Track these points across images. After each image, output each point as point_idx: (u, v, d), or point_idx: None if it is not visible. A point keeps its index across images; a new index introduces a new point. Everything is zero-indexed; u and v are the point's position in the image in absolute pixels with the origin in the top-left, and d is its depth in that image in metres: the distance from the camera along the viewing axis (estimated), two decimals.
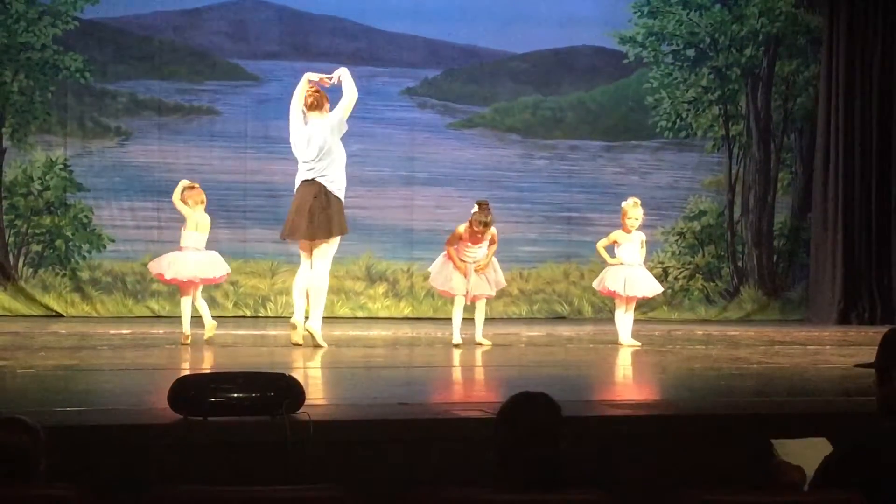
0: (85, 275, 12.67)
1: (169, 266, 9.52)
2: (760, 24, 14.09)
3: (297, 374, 5.79)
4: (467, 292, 9.90)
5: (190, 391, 5.00)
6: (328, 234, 9.27)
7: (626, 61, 13.93)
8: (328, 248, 9.37)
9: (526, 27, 13.62)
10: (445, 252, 9.99)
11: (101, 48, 12.80)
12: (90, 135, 12.77)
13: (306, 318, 9.41)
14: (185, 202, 9.60)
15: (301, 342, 9.33)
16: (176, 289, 11.41)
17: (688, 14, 13.99)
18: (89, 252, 12.73)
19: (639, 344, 10.06)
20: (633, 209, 10.21)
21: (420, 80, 13.61)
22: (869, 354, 4.01)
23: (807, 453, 4.04)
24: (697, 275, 14.11)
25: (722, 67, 14.10)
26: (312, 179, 9.27)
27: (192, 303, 9.54)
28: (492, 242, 9.94)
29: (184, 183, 9.70)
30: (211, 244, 9.73)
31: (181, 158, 12.77)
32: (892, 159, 13.57)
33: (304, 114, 9.40)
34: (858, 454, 3.56)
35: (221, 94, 13.11)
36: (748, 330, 12.23)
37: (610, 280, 10.21)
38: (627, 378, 8.55)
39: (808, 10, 14.17)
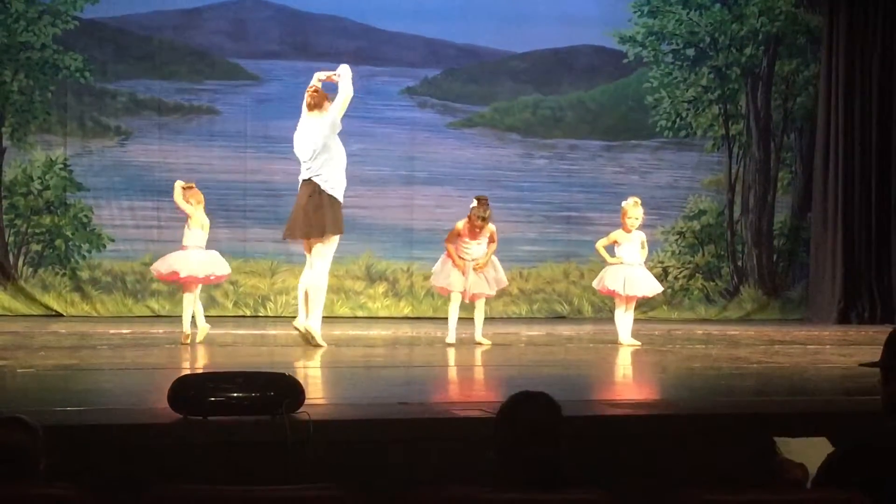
0: (85, 274, 12.67)
1: (173, 265, 9.50)
2: (760, 23, 14.09)
3: (297, 374, 5.79)
4: (465, 291, 9.90)
5: (190, 391, 5.00)
6: (321, 233, 9.23)
7: (625, 61, 13.93)
8: (324, 248, 9.32)
9: (526, 27, 13.62)
10: (446, 251, 10.00)
11: (100, 48, 12.80)
12: (90, 134, 12.77)
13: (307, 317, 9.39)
14: (187, 202, 9.59)
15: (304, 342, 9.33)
16: (176, 289, 11.42)
17: (688, 13, 13.99)
18: (89, 251, 12.73)
19: (639, 343, 10.06)
20: (633, 209, 10.21)
21: (420, 80, 13.61)
22: (869, 354, 4.01)
23: (808, 451, 4.05)
24: (697, 274, 14.12)
25: (722, 67, 14.10)
26: (309, 179, 9.27)
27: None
28: (491, 241, 9.94)
29: (181, 183, 9.65)
30: (211, 244, 9.73)
31: (181, 158, 12.77)
32: (892, 159, 13.57)
33: (304, 114, 9.40)
34: (862, 452, 3.56)
35: (221, 94, 13.12)
36: (748, 329, 12.23)
37: (609, 279, 10.20)
38: (627, 377, 8.55)
39: (808, 10, 14.18)
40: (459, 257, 9.90)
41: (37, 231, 12.66)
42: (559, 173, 13.84)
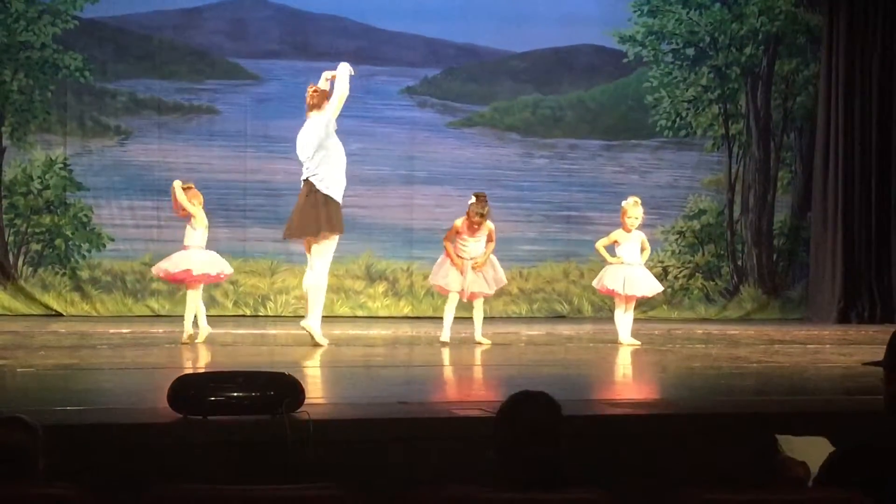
0: (84, 274, 12.66)
1: (181, 263, 9.48)
2: (760, 22, 14.09)
3: (297, 373, 5.78)
4: (463, 290, 9.90)
5: (190, 390, 5.00)
6: (315, 232, 9.22)
7: (625, 60, 13.93)
8: (321, 248, 9.29)
9: (526, 26, 13.62)
10: (445, 250, 10.00)
11: (100, 47, 12.80)
12: (90, 134, 12.77)
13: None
14: (190, 202, 9.58)
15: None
16: (175, 288, 11.42)
17: (687, 13, 13.99)
18: (89, 251, 12.73)
19: (639, 343, 10.06)
20: (633, 208, 10.20)
21: (420, 79, 13.61)
22: (869, 353, 4.01)
23: (810, 450, 4.05)
24: (697, 274, 14.11)
25: (722, 66, 14.09)
26: (307, 178, 9.26)
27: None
28: (489, 240, 9.94)
29: (180, 184, 9.59)
30: (210, 243, 9.72)
31: (181, 157, 12.77)
32: (892, 158, 13.57)
33: (306, 114, 9.39)
34: (865, 452, 3.56)
35: (221, 94, 13.11)
36: (748, 329, 12.23)
37: (609, 279, 10.20)
38: (627, 377, 8.55)
39: (808, 9, 14.17)
40: (458, 256, 9.90)
41: (37, 231, 12.65)
42: (559, 173, 13.83)
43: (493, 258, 10.04)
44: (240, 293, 12.94)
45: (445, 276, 9.96)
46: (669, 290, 13.60)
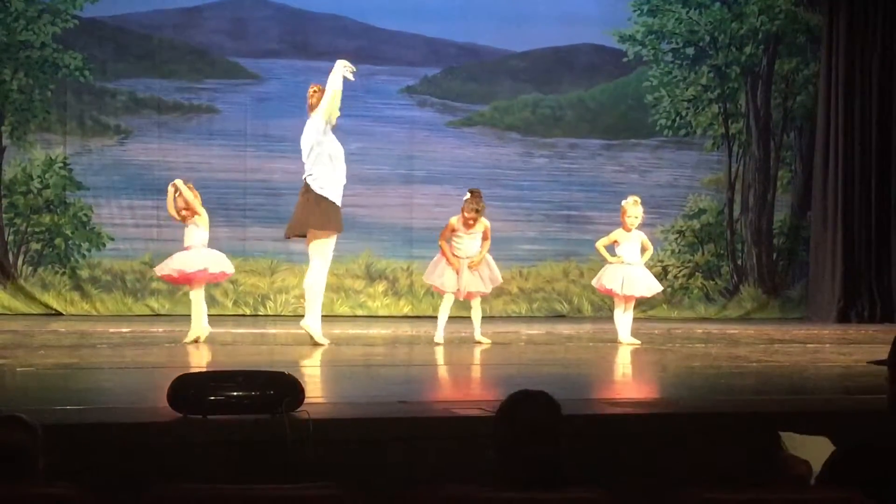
0: (84, 273, 12.66)
1: (182, 263, 9.46)
2: (760, 22, 14.09)
3: (297, 373, 5.78)
4: (458, 290, 9.89)
5: (189, 389, 5.00)
6: (304, 231, 9.21)
7: (625, 60, 13.93)
8: (316, 246, 9.25)
9: (526, 25, 13.62)
10: (440, 249, 9.99)
11: (100, 46, 12.80)
12: (90, 133, 12.77)
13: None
14: None
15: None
16: (175, 287, 11.42)
17: (687, 12, 13.99)
18: (89, 250, 12.73)
19: (638, 342, 10.06)
20: (633, 207, 10.20)
21: (420, 79, 13.61)
22: (868, 353, 4.02)
23: (813, 448, 4.05)
24: (697, 273, 14.12)
25: (722, 66, 14.09)
26: (304, 178, 9.26)
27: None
28: (485, 238, 9.92)
29: (181, 183, 9.56)
30: (210, 243, 9.71)
31: (181, 157, 12.77)
32: (892, 158, 13.56)
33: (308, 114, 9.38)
34: (865, 452, 3.56)
35: (221, 93, 13.11)
36: (748, 328, 12.23)
37: (608, 279, 10.20)
38: (627, 376, 8.55)
39: (808, 9, 14.17)
40: (453, 255, 9.88)
41: (36, 230, 12.65)
42: (559, 172, 13.83)
43: (489, 257, 10.02)
44: (240, 292, 12.94)
45: (441, 276, 9.94)
46: (669, 289, 13.60)
